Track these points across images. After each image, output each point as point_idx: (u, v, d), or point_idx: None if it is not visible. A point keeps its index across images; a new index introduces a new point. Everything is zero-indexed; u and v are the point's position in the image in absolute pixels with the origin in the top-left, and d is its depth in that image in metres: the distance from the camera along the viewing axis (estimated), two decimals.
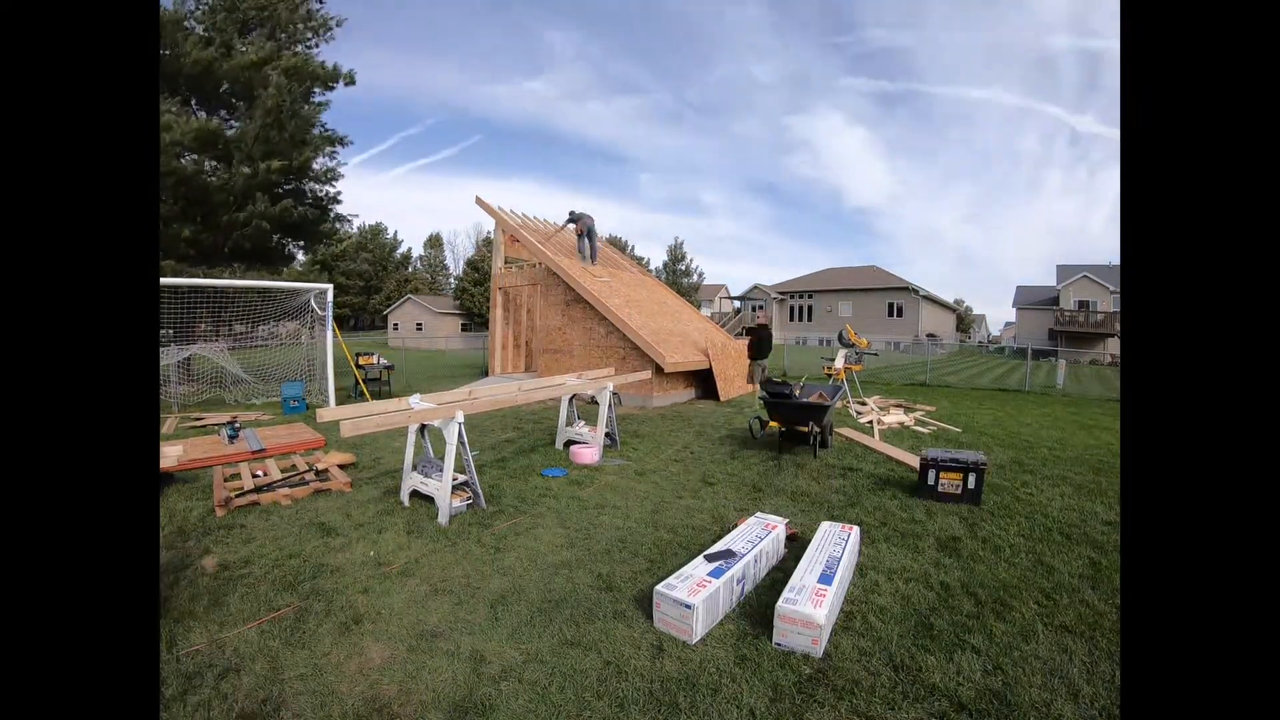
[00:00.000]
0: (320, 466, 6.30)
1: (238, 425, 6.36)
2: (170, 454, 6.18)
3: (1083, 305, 40.19)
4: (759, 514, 4.48)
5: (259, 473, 6.04)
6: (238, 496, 5.25)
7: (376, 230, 68.95)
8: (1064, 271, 42.70)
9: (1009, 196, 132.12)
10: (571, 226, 14.34)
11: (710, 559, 3.56)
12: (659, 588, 3.22)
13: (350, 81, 16.50)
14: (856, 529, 4.16)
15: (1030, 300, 44.55)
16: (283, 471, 6.15)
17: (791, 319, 51.83)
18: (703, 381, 12.84)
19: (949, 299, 58.71)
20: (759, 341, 12.59)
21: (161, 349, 12.07)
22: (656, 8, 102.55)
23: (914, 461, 6.86)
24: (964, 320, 77.53)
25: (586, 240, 14.10)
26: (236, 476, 5.96)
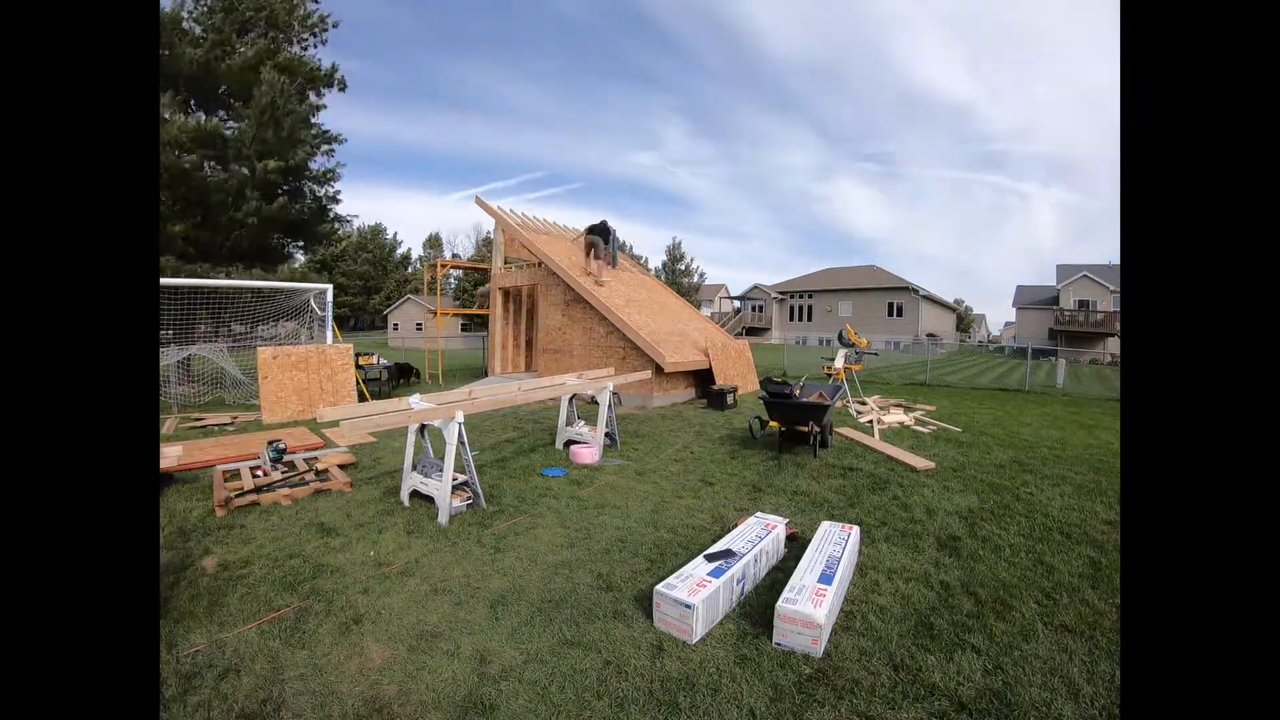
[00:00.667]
0: (320, 466, 6.30)
1: (282, 445, 6.17)
2: (170, 454, 6.18)
3: (1083, 305, 40.23)
4: (759, 514, 4.48)
5: (259, 473, 6.04)
6: (238, 496, 5.25)
7: (376, 230, 68.93)
8: (1064, 271, 42.75)
9: (976, 228, 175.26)
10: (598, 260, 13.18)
11: (710, 559, 3.56)
12: (659, 587, 3.22)
13: (343, 87, 16.56)
14: (856, 529, 4.16)
15: (1030, 300, 44.58)
16: (282, 472, 6.14)
17: (791, 319, 51.87)
18: (702, 381, 12.84)
19: (949, 299, 58.67)
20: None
21: (161, 349, 12.07)
22: (734, 125, 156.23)
23: (915, 461, 6.87)
24: (964, 320, 77.59)
25: (601, 251, 13.15)
26: (236, 476, 5.95)
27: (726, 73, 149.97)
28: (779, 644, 3.01)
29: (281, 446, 6.18)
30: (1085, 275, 40.49)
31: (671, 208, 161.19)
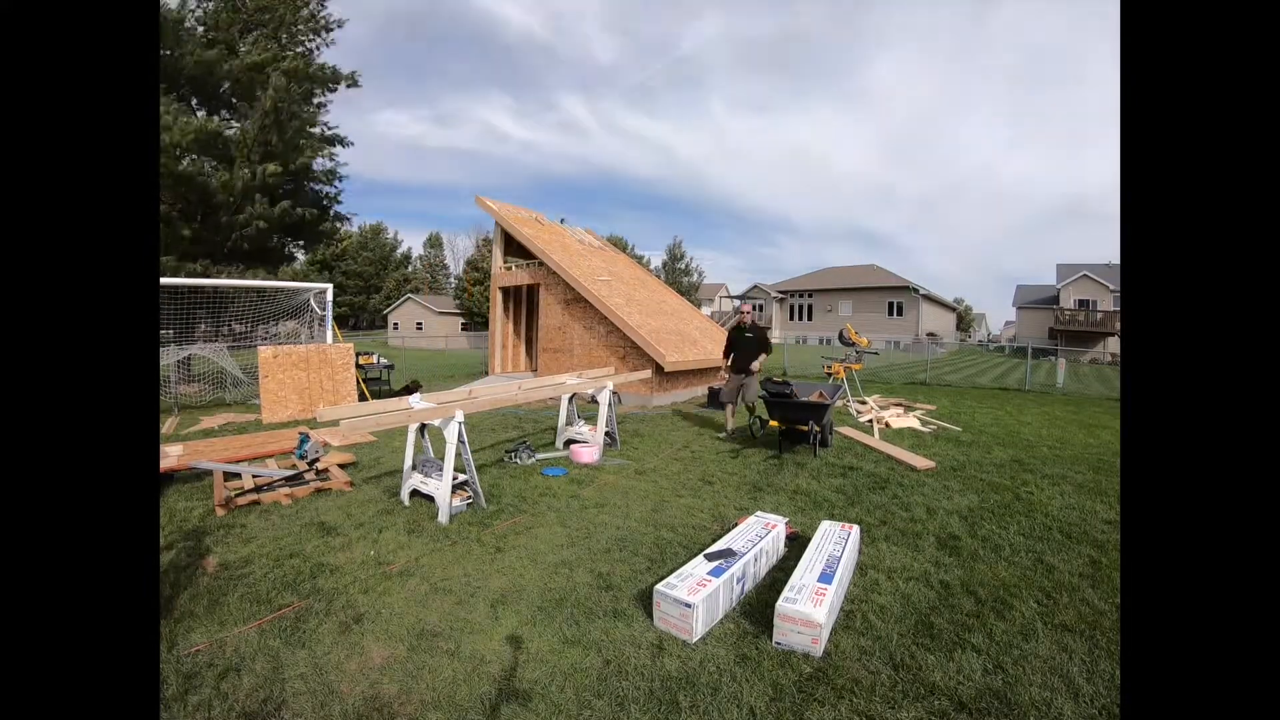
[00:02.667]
0: (320, 466, 6.30)
1: (306, 434, 6.00)
2: (170, 453, 6.18)
3: (1083, 304, 40.20)
4: (759, 513, 4.48)
5: (259, 472, 6.04)
6: (238, 496, 5.25)
7: (377, 229, 68.89)
8: (1064, 270, 42.71)
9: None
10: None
11: (710, 558, 3.56)
12: (659, 587, 3.22)
13: (352, 83, 16.51)
14: (856, 528, 4.16)
15: (1030, 299, 44.58)
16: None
17: (792, 318, 51.82)
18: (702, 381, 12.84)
19: (949, 298, 58.67)
20: (741, 345, 8.61)
21: (161, 349, 12.07)
22: None
23: (915, 461, 6.87)
24: (964, 319, 77.52)
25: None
26: (237, 476, 5.95)
27: None
28: (779, 643, 3.01)
29: (306, 434, 6.01)
30: (1085, 275, 40.47)
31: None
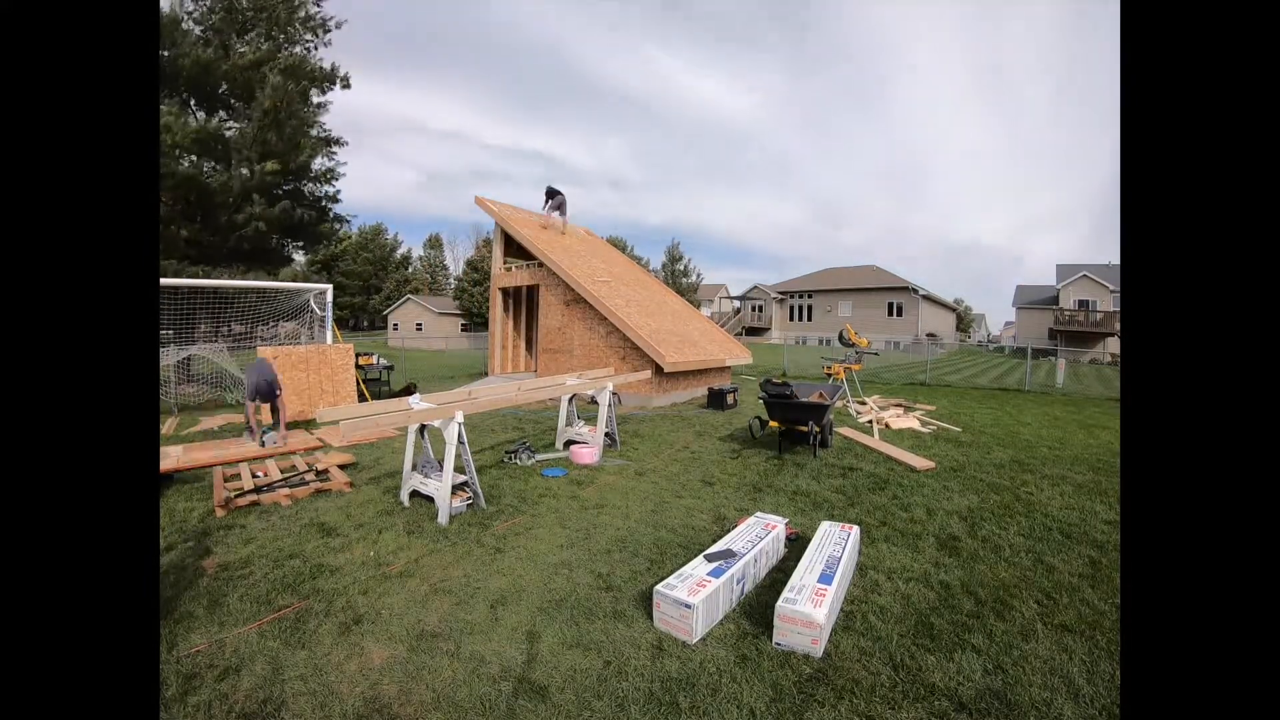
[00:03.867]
0: (320, 467, 6.30)
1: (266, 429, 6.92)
2: (171, 453, 6.18)
3: (1082, 305, 40.17)
4: (759, 514, 4.48)
5: (259, 473, 6.04)
6: (238, 497, 5.25)
7: (377, 230, 68.88)
8: (1064, 271, 42.69)
9: None
10: (555, 211, 16.05)
11: (710, 559, 3.56)
12: (659, 588, 3.22)
13: (346, 84, 16.53)
14: (856, 529, 4.16)
15: (1030, 300, 44.54)
16: (283, 472, 6.15)
17: (791, 319, 51.85)
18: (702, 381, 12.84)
19: (948, 299, 58.68)
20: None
21: (161, 349, 12.07)
22: None
23: (915, 461, 6.87)
24: (964, 320, 77.51)
25: (559, 214, 16.05)
26: (237, 477, 5.95)
27: None
28: (779, 644, 3.01)
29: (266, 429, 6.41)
30: (1085, 275, 40.45)
31: None
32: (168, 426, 9.45)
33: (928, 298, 46.45)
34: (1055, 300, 41.79)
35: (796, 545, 4.26)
